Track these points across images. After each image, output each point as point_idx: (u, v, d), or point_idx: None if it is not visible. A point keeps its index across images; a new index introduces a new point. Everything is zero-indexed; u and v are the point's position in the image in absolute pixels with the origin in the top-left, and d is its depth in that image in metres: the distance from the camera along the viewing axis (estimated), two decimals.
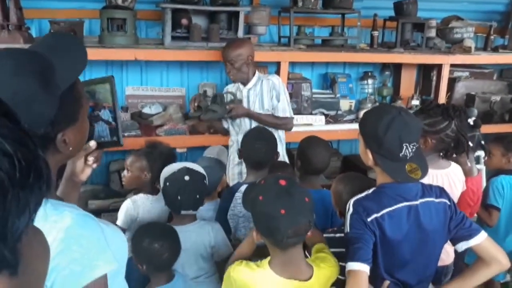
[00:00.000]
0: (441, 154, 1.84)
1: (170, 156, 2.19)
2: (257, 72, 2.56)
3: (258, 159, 2.01)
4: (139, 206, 2.03)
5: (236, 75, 2.49)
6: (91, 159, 1.05)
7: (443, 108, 1.79)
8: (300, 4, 2.92)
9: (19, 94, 0.76)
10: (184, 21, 2.68)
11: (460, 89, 3.56)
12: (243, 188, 1.97)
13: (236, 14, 2.77)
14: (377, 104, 3.43)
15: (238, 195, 1.96)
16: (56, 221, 0.82)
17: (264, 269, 1.34)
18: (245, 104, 2.54)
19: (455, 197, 1.84)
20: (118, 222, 2.01)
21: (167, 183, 1.83)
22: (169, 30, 2.62)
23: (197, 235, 1.83)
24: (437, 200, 1.47)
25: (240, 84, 2.55)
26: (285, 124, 2.55)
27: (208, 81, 3.28)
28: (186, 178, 1.81)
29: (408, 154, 1.41)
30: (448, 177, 1.83)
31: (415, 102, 3.54)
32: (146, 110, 3.01)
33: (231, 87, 2.62)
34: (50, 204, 0.84)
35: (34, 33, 2.78)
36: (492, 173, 2.51)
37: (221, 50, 2.51)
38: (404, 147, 1.40)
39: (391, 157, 1.42)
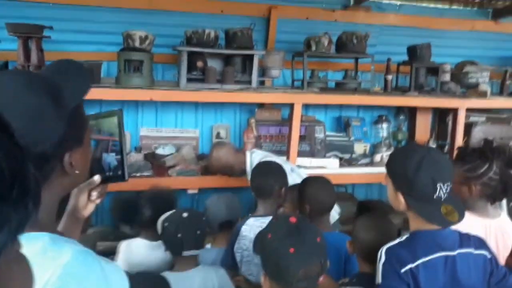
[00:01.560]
0: (490, 200, 1.74)
1: (167, 197, 2.16)
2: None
3: (264, 190, 2.01)
4: (132, 250, 1.99)
5: None
6: (94, 194, 1.02)
7: (480, 151, 1.69)
8: (313, 48, 2.96)
9: (31, 108, 0.76)
10: (199, 64, 2.72)
11: (477, 134, 3.50)
12: (249, 221, 1.95)
13: (251, 57, 2.81)
14: (393, 148, 3.38)
15: (244, 228, 1.94)
16: (55, 258, 0.78)
17: None
18: None
19: (508, 248, 1.72)
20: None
21: (166, 224, 1.79)
22: (185, 72, 2.67)
23: (201, 280, 1.75)
24: (475, 252, 1.36)
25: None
26: None
27: (222, 123, 3.30)
28: (185, 215, 1.78)
29: (442, 196, 1.32)
30: (501, 227, 1.73)
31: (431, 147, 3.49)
32: (159, 151, 3.02)
33: None
34: (49, 239, 0.80)
35: None
36: None
37: None
38: (438, 187, 1.31)
39: (425, 198, 1.33)
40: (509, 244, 1.71)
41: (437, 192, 1.32)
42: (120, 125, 1.03)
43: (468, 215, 1.76)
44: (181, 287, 1.64)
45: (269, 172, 2.05)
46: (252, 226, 1.93)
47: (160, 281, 1.62)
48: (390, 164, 1.44)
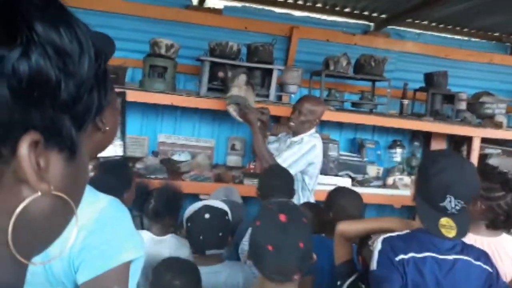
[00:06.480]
0: (486, 223, 1.76)
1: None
2: (310, 133, 2.57)
3: (272, 196, 2.03)
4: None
5: (295, 125, 2.56)
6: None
7: (505, 177, 1.70)
8: (331, 67, 3.04)
9: None
10: (220, 74, 2.82)
11: None
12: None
13: (270, 72, 2.90)
14: (406, 173, 3.39)
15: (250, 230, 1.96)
16: (92, 202, 0.85)
17: None
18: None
19: (502, 267, 1.70)
20: None
21: (189, 224, 1.81)
22: (206, 81, 2.76)
23: (227, 276, 1.74)
24: (475, 262, 1.35)
25: (284, 135, 2.72)
26: None
27: (238, 135, 3.37)
28: (206, 216, 1.78)
29: (449, 208, 1.32)
30: (496, 245, 1.73)
31: None
32: (175, 157, 3.09)
33: (272, 139, 2.78)
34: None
35: None
36: None
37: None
38: (448, 198, 1.31)
39: (431, 202, 1.34)
40: (501, 268, 1.70)
41: (445, 202, 1.31)
42: (123, 106, 1.11)
43: None
44: (207, 281, 1.64)
45: (279, 183, 2.11)
46: None
47: (192, 269, 1.62)
48: (424, 156, 1.50)
